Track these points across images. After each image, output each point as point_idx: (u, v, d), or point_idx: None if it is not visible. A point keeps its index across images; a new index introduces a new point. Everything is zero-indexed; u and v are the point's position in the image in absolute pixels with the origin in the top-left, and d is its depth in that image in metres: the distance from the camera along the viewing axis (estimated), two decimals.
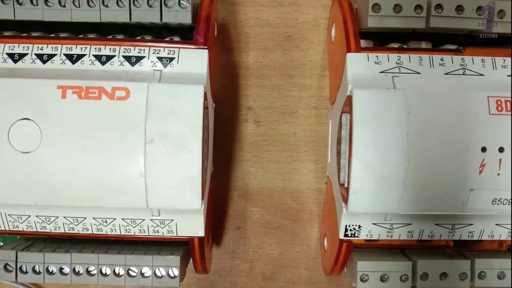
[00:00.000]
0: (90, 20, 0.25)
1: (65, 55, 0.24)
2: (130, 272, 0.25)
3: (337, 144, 0.27)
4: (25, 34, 0.26)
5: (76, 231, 0.25)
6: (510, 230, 0.25)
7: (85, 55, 0.24)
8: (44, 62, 0.24)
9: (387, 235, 0.25)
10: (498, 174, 0.23)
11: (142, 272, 0.25)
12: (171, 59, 0.24)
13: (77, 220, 0.25)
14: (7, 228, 0.25)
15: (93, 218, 0.24)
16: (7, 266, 0.25)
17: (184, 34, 0.27)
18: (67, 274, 0.25)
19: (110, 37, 0.26)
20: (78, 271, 0.25)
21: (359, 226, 0.25)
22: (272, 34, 0.32)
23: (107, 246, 0.26)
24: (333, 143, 0.29)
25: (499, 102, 0.23)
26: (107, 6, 0.24)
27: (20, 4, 0.25)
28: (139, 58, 0.24)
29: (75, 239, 0.26)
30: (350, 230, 0.25)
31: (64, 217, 0.25)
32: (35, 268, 0.25)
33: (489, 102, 0.23)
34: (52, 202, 0.23)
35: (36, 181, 0.23)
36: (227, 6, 0.32)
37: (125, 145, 0.22)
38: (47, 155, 0.22)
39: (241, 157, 0.32)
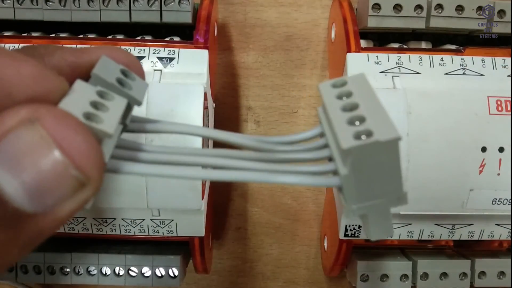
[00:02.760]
0: (90, 20, 0.25)
1: None
2: (130, 272, 0.25)
3: None
4: (25, 34, 0.26)
5: (76, 231, 0.25)
6: (510, 230, 0.25)
7: None
8: None
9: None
10: (498, 174, 0.23)
11: (142, 272, 0.25)
12: (171, 59, 0.24)
13: (77, 220, 0.25)
14: None
15: (93, 218, 0.24)
16: None
17: (184, 34, 0.27)
18: (67, 274, 0.25)
19: (110, 37, 0.26)
20: (78, 271, 0.25)
21: (359, 226, 0.25)
22: (272, 34, 0.32)
23: (107, 246, 0.26)
24: None
25: (499, 102, 0.23)
26: (107, 6, 0.24)
27: (20, 4, 0.25)
28: (139, 58, 0.24)
29: (75, 239, 0.26)
30: (350, 230, 0.25)
31: None
32: (35, 268, 0.25)
33: (489, 102, 0.23)
34: None
35: None
36: (227, 6, 0.32)
37: None
38: None
39: None
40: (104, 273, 0.25)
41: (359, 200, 0.13)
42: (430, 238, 0.25)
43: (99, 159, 0.11)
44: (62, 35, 0.26)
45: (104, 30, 0.26)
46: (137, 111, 0.22)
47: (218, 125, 0.31)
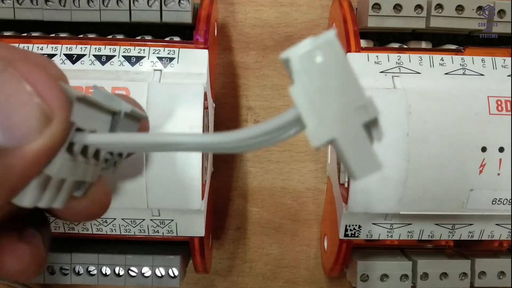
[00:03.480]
0: (90, 20, 0.25)
1: (65, 55, 0.24)
2: (130, 272, 0.25)
3: None
4: (25, 34, 0.26)
5: (76, 231, 0.25)
6: (510, 230, 0.25)
7: (85, 55, 0.24)
8: None
9: (387, 235, 0.25)
10: (498, 174, 0.23)
11: (142, 272, 0.25)
12: (171, 59, 0.24)
13: None
14: None
15: None
16: None
17: (184, 34, 0.27)
18: (67, 274, 0.25)
19: (110, 37, 0.26)
20: (78, 271, 0.25)
21: (359, 226, 0.25)
22: (272, 34, 0.32)
23: (107, 246, 0.26)
24: None
25: (499, 102, 0.23)
26: (107, 6, 0.24)
27: (20, 4, 0.25)
28: (139, 58, 0.24)
29: (75, 239, 0.26)
30: (350, 230, 0.25)
31: None
32: None
33: (489, 102, 0.23)
34: None
35: None
36: (227, 6, 0.32)
37: None
38: None
39: (241, 157, 0.32)
40: (104, 273, 0.25)
41: (321, 121, 0.12)
42: (430, 238, 0.25)
43: (63, 95, 0.11)
44: (62, 35, 0.26)
45: (104, 30, 0.26)
46: None
47: (218, 125, 0.31)
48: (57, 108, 0.11)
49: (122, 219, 0.24)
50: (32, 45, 0.24)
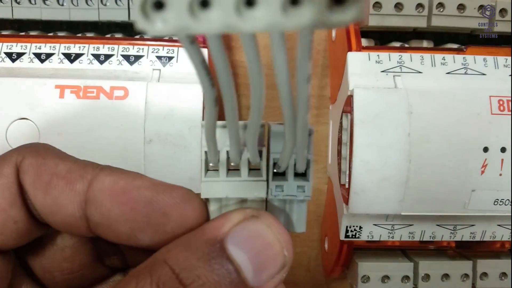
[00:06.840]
0: (89, 19, 0.25)
1: (63, 54, 0.24)
2: None
3: (338, 144, 0.26)
4: (23, 33, 0.26)
5: None
6: None
7: (83, 54, 0.24)
8: (42, 61, 0.24)
9: (388, 236, 0.25)
10: (500, 175, 0.23)
11: None
12: (170, 58, 0.24)
13: None
14: None
15: None
16: None
17: None
18: None
19: (108, 36, 0.26)
20: None
21: (360, 227, 0.25)
22: None
23: None
24: (334, 144, 0.28)
25: (501, 102, 0.23)
26: (105, 5, 0.24)
27: (18, 3, 0.25)
28: (137, 57, 0.24)
29: None
30: (351, 231, 0.25)
31: None
32: None
33: (491, 102, 0.23)
34: None
35: None
36: None
37: (124, 145, 0.22)
38: None
39: None
40: None
41: None
42: (431, 239, 0.25)
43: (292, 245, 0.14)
44: (60, 34, 0.26)
45: (103, 29, 0.26)
46: (136, 111, 0.22)
47: None
48: (291, 259, 0.13)
49: None
50: (30, 44, 0.24)
